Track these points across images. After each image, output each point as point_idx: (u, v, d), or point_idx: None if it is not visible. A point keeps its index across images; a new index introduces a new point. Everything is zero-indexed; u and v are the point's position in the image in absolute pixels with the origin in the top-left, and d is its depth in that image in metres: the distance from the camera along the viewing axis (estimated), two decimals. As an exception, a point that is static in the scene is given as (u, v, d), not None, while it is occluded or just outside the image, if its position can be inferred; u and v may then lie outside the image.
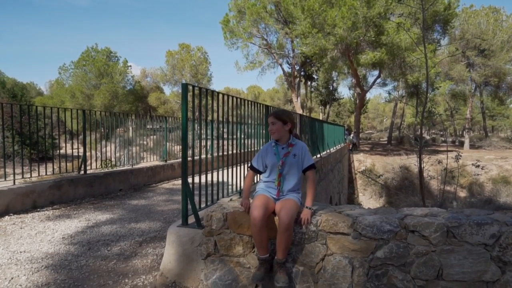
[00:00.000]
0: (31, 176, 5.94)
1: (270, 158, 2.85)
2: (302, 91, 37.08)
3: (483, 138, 35.64)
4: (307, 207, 2.68)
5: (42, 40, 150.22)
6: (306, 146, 2.91)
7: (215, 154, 3.73)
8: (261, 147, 3.32)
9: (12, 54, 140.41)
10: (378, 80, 28.30)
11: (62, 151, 9.36)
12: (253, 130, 4.30)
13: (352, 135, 27.54)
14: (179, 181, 2.97)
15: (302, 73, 31.06)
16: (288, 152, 2.80)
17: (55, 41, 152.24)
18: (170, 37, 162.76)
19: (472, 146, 31.73)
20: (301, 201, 2.84)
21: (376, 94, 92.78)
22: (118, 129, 8.73)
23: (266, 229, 2.60)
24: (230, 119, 3.88)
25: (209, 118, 3.47)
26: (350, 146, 24.82)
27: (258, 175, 3.07)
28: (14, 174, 5.34)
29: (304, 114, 20.39)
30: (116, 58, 36.62)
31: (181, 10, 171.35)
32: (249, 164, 3.04)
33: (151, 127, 9.80)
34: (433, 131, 53.83)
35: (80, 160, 6.79)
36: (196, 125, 3.29)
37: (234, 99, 3.75)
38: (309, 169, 2.82)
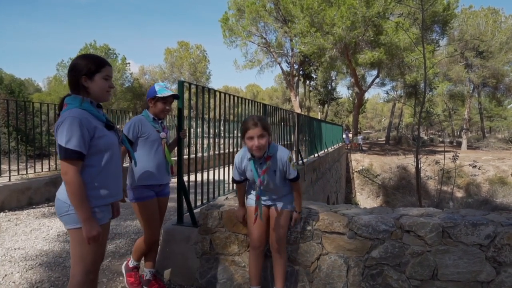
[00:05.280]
0: (27, 173, 5.90)
1: (249, 174, 2.49)
2: (301, 90, 37.07)
3: (481, 139, 35.79)
4: (296, 212, 2.60)
5: (40, 37, 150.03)
6: (286, 156, 2.44)
7: (211, 152, 3.71)
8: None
9: (10, 50, 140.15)
10: (377, 80, 28.39)
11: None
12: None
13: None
14: (175, 179, 2.94)
15: (301, 72, 31.05)
16: (266, 168, 2.39)
17: (53, 38, 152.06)
18: (169, 34, 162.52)
19: (470, 147, 31.85)
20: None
21: (375, 94, 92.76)
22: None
23: (263, 256, 2.59)
24: (228, 118, 3.86)
25: (206, 116, 3.46)
26: (349, 146, 24.82)
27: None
28: (9, 170, 5.31)
29: (302, 113, 20.38)
30: (115, 55, 36.47)
31: (181, 7, 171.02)
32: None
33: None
34: (431, 131, 53.98)
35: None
36: (192, 123, 3.26)
37: (231, 97, 3.73)
38: (292, 181, 2.52)
